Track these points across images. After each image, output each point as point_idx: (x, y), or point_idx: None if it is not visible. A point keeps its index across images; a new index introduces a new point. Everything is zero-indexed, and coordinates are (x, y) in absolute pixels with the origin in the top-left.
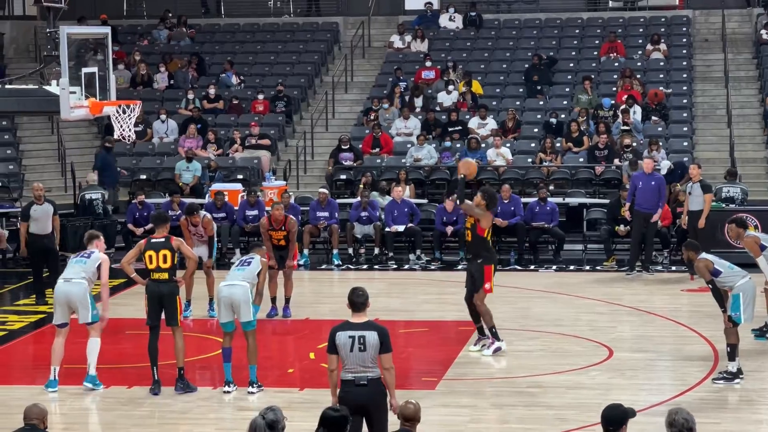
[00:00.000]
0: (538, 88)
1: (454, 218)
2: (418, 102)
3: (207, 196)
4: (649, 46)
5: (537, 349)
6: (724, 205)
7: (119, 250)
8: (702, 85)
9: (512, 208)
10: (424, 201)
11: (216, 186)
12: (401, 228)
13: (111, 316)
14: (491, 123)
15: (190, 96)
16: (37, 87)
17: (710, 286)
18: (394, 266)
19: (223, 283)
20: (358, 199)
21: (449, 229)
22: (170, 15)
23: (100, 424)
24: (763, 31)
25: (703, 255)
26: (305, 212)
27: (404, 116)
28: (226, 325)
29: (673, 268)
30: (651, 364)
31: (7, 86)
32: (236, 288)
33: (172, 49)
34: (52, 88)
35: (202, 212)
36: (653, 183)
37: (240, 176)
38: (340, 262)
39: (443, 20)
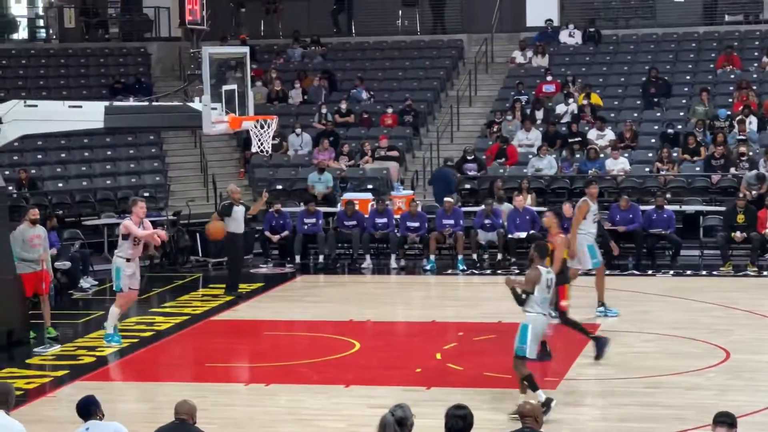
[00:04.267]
0: (655, 100)
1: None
2: (539, 114)
3: (339, 204)
4: (765, 59)
5: (654, 350)
6: None
7: (257, 256)
8: None
9: (630, 216)
10: (545, 209)
11: (347, 195)
12: (523, 234)
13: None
14: (609, 134)
15: (323, 111)
16: (181, 104)
17: None
18: (517, 271)
19: None
20: (482, 207)
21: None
22: (303, 35)
23: (241, 418)
24: None
25: None
26: (431, 220)
27: (526, 128)
28: None
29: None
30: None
31: (154, 103)
32: None
33: (305, 67)
34: (195, 104)
35: None
36: None
37: (370, 186)
38: (465, 267)
39: (563, 36)
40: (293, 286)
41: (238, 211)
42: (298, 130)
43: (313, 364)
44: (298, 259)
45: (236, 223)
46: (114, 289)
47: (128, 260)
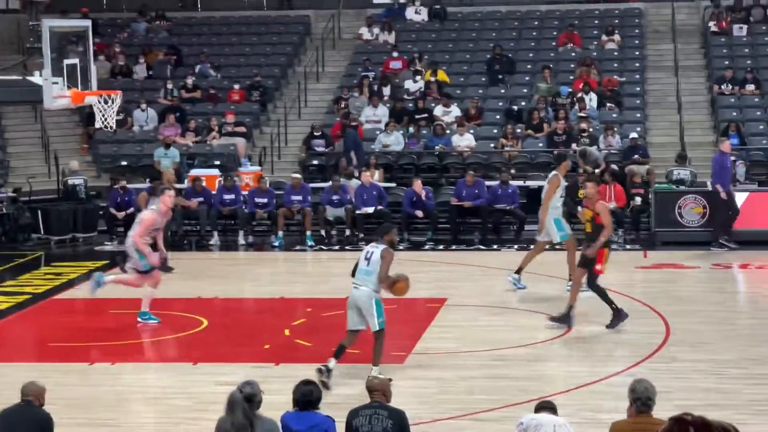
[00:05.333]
0: (500, 77)
1: (423, 201)
2: (386, 91)
3: (186, 181)
4: (603, 37)
5: (500, 324)
6: (674, 187)
7: (101, 233)
8: (654, 74)
9: (476, 191)
10: (393, 185)
11: (194, 171)
12: (371, 210)
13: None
14: (455, 110)
15: (169, 86)
16: (20, 78)
17: None
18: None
19: None
20: (330, 183)
21: (418, 213)
22: (148, 8)
23: (85, 399)
24: (710, 22)
25: None
26: (279, 196)
27: (373, 104)
28: None
29: (628, 246)
30: (608, 337)
31: None
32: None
33: (150, 41)
34: (36, 78)
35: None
36: (729, 163)
37: (217, 162)
38: (313, 243)
39: (409, 13)
40: None
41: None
42: (144, 106)
43: (159, 342)
44: None
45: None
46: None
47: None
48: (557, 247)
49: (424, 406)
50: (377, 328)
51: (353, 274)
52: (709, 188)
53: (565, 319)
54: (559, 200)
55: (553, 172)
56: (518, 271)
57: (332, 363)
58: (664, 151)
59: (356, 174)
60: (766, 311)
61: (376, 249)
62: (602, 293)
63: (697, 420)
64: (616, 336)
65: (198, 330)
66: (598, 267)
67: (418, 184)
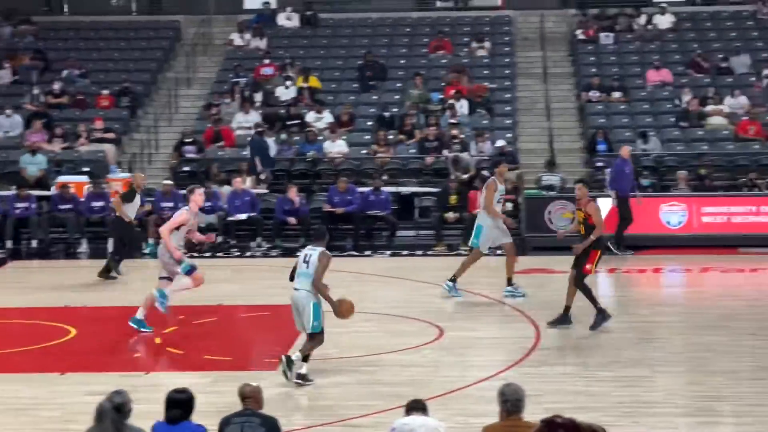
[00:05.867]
0: (372, 83)
1: (297, 208)
2: (258, 97)
3: (53, 188)
4: (474, 44)
5: (373, 329)
6: (544, 193)
7: None
8: (523, 81)
9: (348, 198)
10: (265, 191)
11: (62, 178)
12: (243, 216)
13: None
14: (327, 117)
15: (35, 91)
16: None
17: None
18: (237, 253)
19: None
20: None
21: (291, 219)
22: (14, 12)
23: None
24: (578, 31)
25: None
26: (151, 203)
27: (245, 110)
28: None
29: (498, 252)
30: (479, 341)
31: None
32: None
33: (15, 46)
34: None
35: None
36: (628, 170)
37: (85, 168)
38: (186, 250)
39: (281, 19)
40: (4, 272)
41: (138, 198)
42: (9, 111)
43: (26, 352)
44: (9, 243)
45: (132, 209)
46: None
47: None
48: (404, 253)
49: (297, 413)
50: (310, 331)
51: (291, 278)
52: (609, 192)
53: (564, 320)
54: (497, 205)
55: (491, 178)
56: (509, 283)
57: (297, 360)
58: (533, 157)
59: (263, 178)
60: (633, 315)
61: (314, 252)
62: (588, 292)
63: (566, 422)
64: (487, 341)
65: (66, 339)
66: (588, 266)
67: (293, 191)
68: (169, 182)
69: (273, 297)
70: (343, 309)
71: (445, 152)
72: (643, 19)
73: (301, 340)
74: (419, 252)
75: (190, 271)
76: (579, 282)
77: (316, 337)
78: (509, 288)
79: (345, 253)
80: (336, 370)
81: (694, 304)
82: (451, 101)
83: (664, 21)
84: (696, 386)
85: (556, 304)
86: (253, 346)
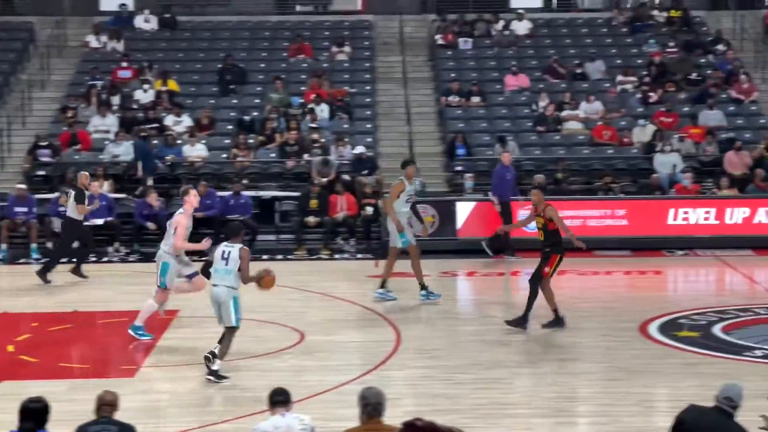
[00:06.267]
0: (231, 87)
1: (156, 212)
2: (116, 100)
3: None
4: (334, 48)
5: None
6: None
7: None
8: (383, 85)
9: (208, 202)
10: (123, 195)
11: None
12: (100, 222)
13: None
14: (187, 120)
15: None
16: None
17: None
18: (93, 258)
19: None
20: (57, 194)
21: (150, 224)
22: None
23: None
24: (437, 36)
25: None
26: (3, 208)
27: (101, 114)
28: None
29: (359, 255)
30: (340, 346)
31: None
32: None
33: None
34: None
35: None
36: (509, 176)
37: None
38: (39, 256)
39: (138, 21)
40: None
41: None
42: None
43: None
44: None
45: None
46: (158, 285)
47: (177, 256)
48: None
49: (156, 420)
50: (232, 324)
51: (207, 276)
52: (491, 197)
53: (557, 323)
54: (406, 205)
55: (399, 178)
56: (382, 285)
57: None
58: (394, 162)
59: (148, 183)
60: (492, 318)
61: (232, 248)
62: (533, 295)
63: (426, 425)
64: (348, 345)
65: None
66: (546, 269)
67: (153, 197)
68: (23, 186)
69: (130, 303)
70: (266, 280)
71: (306, 156)
72: (500, 25)
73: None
74: (280, 256)
75: (191, 276)
76: (533, 281)
77: (233, 331)
78: (380, 290)
79: (203, 258)
80: (195, 377)
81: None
82: (311, 105)
83: (521, 27)
84: (553, 387)
85: (417, 308)
86: (110, 353)
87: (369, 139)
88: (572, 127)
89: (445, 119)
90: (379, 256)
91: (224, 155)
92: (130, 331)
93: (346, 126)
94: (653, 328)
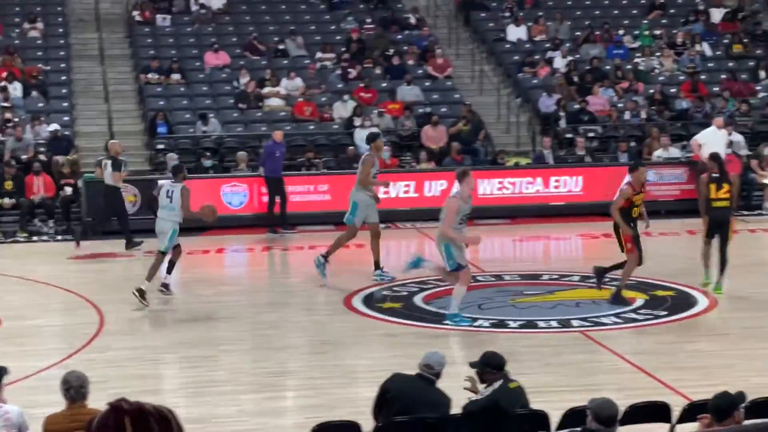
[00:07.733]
0: None
1: None
2: None
3: None
4: (26, 25)
5: None
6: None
7: None
8: (79, 62)
9: None
10: None
11: None
12: None
13: None
14: None
15: None
16: None
17: None
18: None
19: None
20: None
21: None
22: None
23: None
24: (134, 12)
25: None
26: None
27: None
28: None
29: (59, 237)
30: (40, 330)
31: None
32: None
33: None
34: None
35: None
36: (278, 153)
37: None
38: None
39: None
40: None
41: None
42: None
43: None
44: None
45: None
46: (450, 269)
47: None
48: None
49: None
50: (163, 249)
51: (154, 212)
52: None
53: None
54: (374, 180)
55: (367, 152)
56: (377, 266)
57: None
58: (92, 141)
59: None
60: (197, 296)
61: (175, 188)
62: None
63: (133, 406)
64: (49, 329)
65: None
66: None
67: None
68: None
69: None
70: (207, 212)
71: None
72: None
73: None
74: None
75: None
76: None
77: (162, 257)
78: (378, 272)
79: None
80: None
81: (256, 283)
82: (3, 84)
83: (216, 2)
84: (261, 363)
85: (121, 288)
86: None
87: (66, 118)
88: (273, 104)
89: (145, 97)
90: (82, 237)
91: None
92: (448, 322)
93: (41, 105)
94: (357, 301)
